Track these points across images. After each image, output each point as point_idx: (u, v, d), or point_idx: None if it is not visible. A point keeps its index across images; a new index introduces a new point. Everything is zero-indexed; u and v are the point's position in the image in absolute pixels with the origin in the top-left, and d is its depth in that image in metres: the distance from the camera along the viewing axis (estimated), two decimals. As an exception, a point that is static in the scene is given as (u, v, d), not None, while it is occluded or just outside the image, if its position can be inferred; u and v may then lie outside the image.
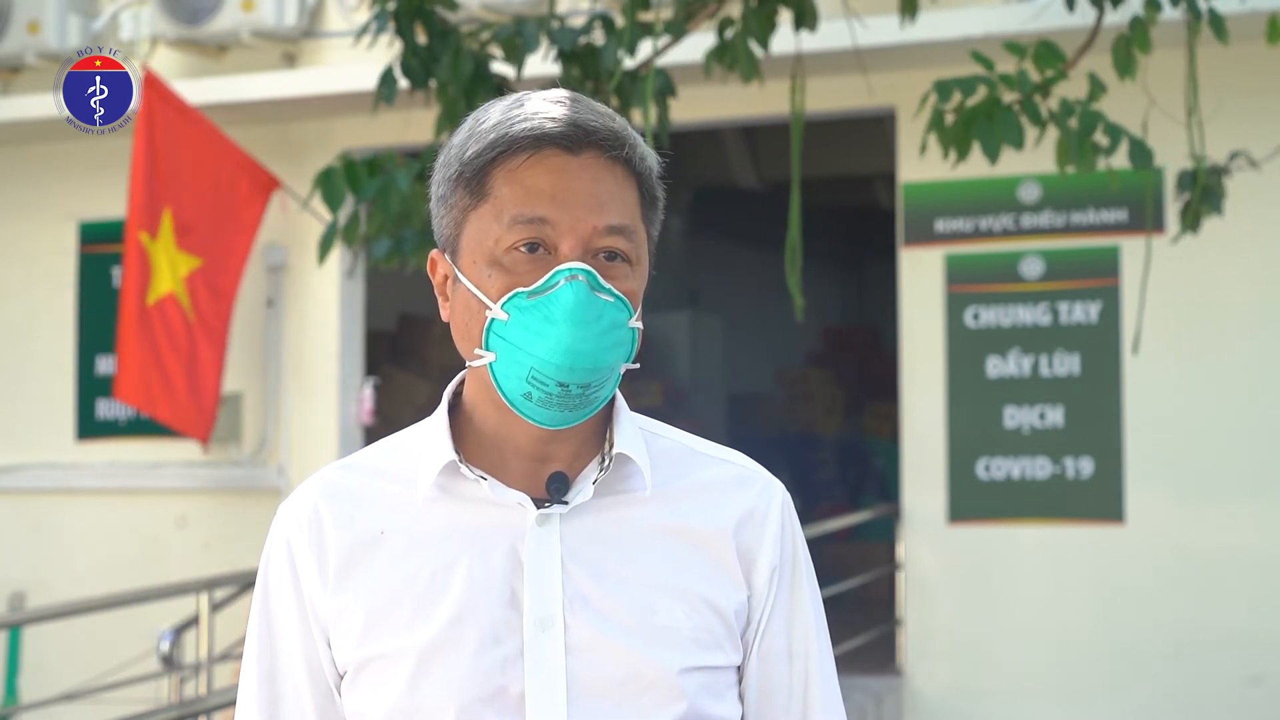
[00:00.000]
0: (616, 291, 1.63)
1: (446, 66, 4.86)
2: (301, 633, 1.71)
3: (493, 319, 1.63)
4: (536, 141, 1.63)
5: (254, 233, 7.90)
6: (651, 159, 1.70)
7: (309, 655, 1.71)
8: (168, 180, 7.63)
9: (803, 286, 5.32)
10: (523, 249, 1.63)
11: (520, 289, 1.61)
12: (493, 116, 1.66)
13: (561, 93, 1.68)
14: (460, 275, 1.67)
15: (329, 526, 1.70)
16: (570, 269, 1.60)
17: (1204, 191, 5.11)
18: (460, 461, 1.68)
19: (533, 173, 1.63)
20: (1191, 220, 5.16)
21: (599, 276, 1.62)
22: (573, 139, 1.63)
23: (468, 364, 1.70)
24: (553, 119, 1.63)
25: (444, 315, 1.72)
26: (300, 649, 1.71)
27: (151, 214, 7.64)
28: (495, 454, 1.70)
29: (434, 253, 1.73)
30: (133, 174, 7.66)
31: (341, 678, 1.70)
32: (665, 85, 4.97)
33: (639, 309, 1.67)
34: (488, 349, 1.64)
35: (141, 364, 7.66)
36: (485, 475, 1.68)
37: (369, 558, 1.68)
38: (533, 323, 1.60)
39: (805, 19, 5.11)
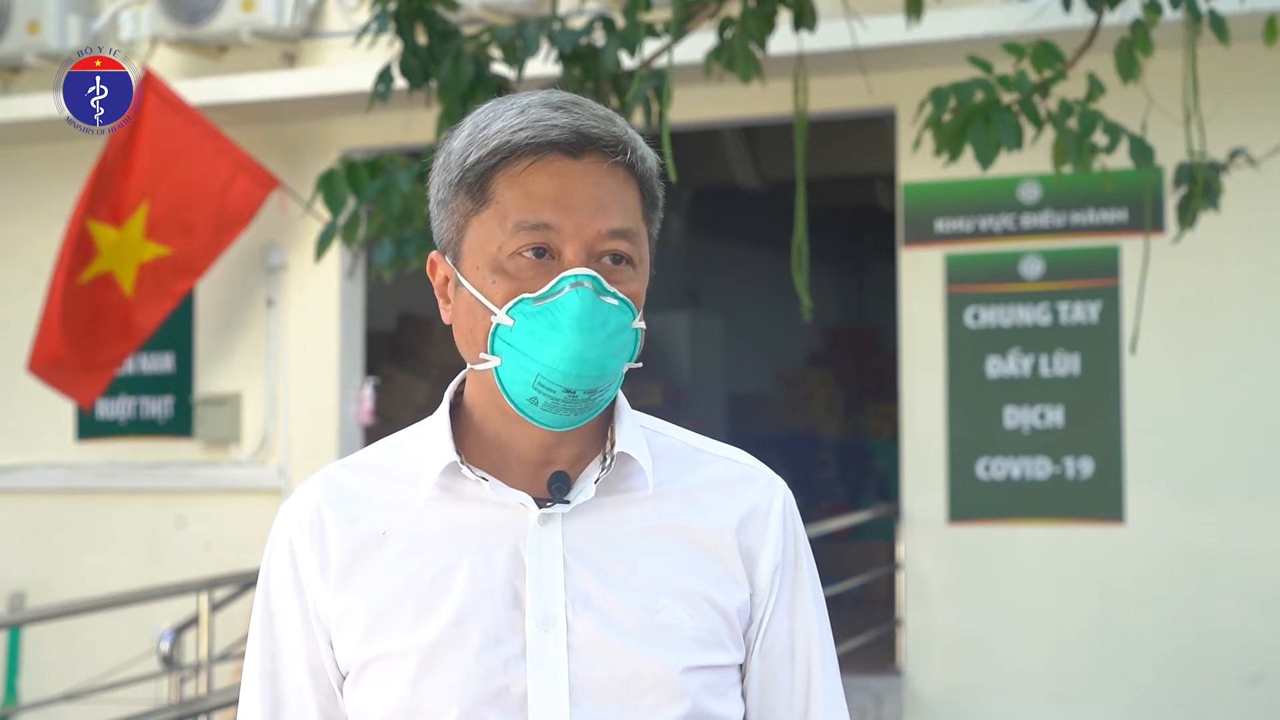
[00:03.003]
0: (621, 295, 1.63)
1: (447, 70, 4.86)
2: (304, 633, 1.71)
3: (498, 324, 1.63)
4: (539, 147, 1.63)
5: (241, 228, 7.89)
6: (651, 159, 1.70)
7: (311, 655, 1.71)
8: (152, 176, 7.70)
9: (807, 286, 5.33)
10: (527, 254, 1.63)
11: (526, 295, 1.62)
12: (494, 123, 1.66)
13: (562, 96, 1.68)
14: (463, 280, 1.67)
15: (331, 526, 1.70)
16: (576, 275, 1.61)
17: (1203, 187, 5.11)
18: (462, 463, 1.69)
19: (536, 178, 1.63)
20: (1191, 218, 5.17)
21: (604, 281, 1.62)
22: (575, 144, 1.64)
23: (469, 366, 1.70)
24: (555, 125, 1.63)
25: (445, 317, 1.72)
26: (302, 649, 1.71)
27: (118, 206, 7.75)
28: (497, 455, 1.70)
29: (434, 254, 1.73)
30: (100, 166, 7.70)
31: (344, 678, 1.70)
32: (662, 87, 4.97)
33: (642, 310, 1.67)
34: (493, 354, 1.64)
35: (51, 335, 7.77)
36: (487, 476, 1.68)
37: (371, 558, 1.68)
38: (539, 329, 1.60)
39: (804, 19, 5.12)
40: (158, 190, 7.74)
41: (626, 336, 1.64)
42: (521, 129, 1.63)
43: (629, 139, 1.67)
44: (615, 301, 1.62)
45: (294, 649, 1.71)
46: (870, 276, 13.11)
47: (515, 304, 1.62)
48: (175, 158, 7.69)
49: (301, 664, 1.71)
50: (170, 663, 6.48)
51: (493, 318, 1.63)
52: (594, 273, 1.61)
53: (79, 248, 7.79)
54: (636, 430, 1.73)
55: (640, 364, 1.69)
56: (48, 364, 7.90)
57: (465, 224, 1.67)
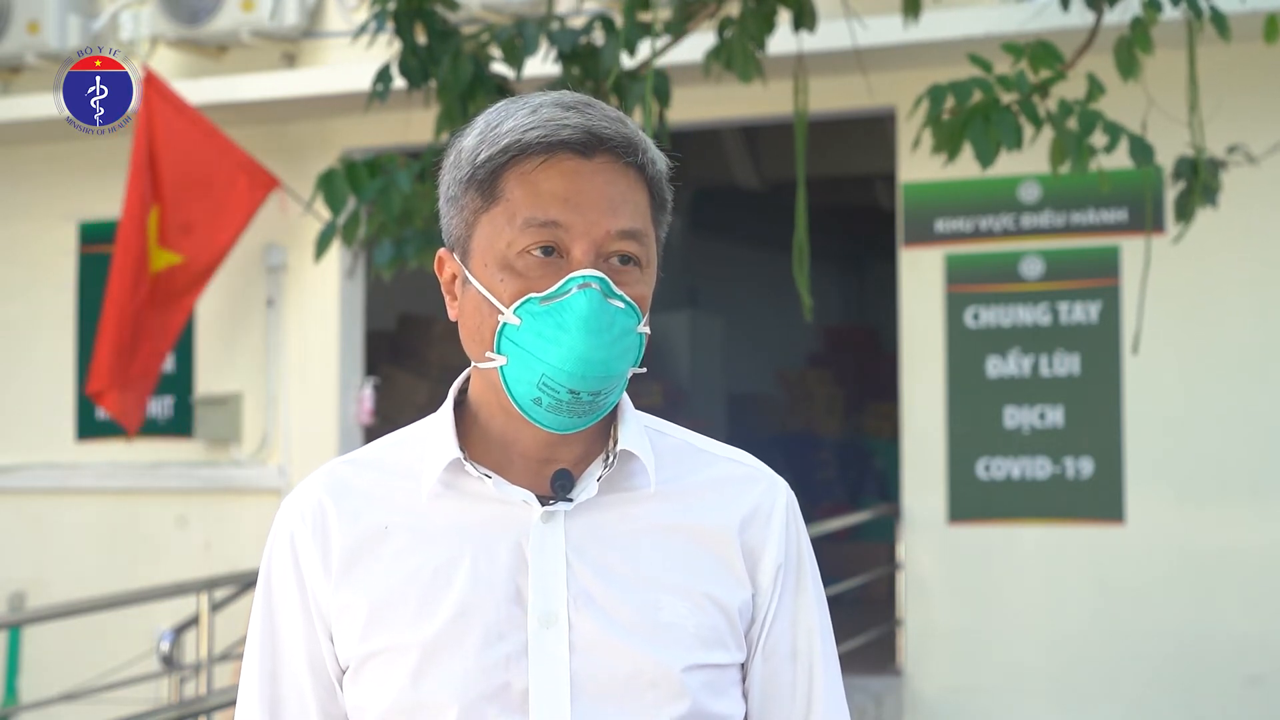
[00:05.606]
0: (628, 298, 1.63)
1: (446, 68, 4.86)
2: (304, 627, 1.71)
3: (504, 323, 1.63)
4: (550, 146, 1.63)
5: (240, 230, 7.87)
6: (661, 163, 1.71)
7: (311, 650, 1.71)
8: (160, 179, 7.64)
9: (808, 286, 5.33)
10: (536, 252, 1.63)
11: (533, 294, 1.62)
12: (506, 121, 1.66)
13: (574, 96, 1.68)
14: (471, 277, 1.67)
15: (333, 521, 1.70)
16: (584, 276, 1.61)
17: (1202, 184, 5.12)
18: (465, 459, 1.69)
19: (546, 176, 1.64)
20: (1189, 212, 5.17)
21: (611, 283, 1.62)
22: (586, 144, 1.64)
23: (474, 364, 1.70)
24: (567, 124, 1.64)
25: (451, 314, 1.72)
26: (303, 643, 1.71)
27: (145, 213, 7.66)
28: (501, 452, 1.70)
29: (442, 251, 1.73)
30: (133, 173, 7.66)
31: (344, 673, 1.70)
32: (662, 87, 4.98)
33: (647, 314, 1.67)
34: (499, 352, 1.64)
35: (118, 359, 7.68)
36: (490, 473, 1.68)
37: (373, 553, 1.68)
38: (545, 329, 1.61)
39: (804, 19, 5.12)
40: (167, 195, 7.66)
41: (632, 340, 1.64)
42: (533, 128, 1.64)
43: (640, 141, 1.68)
44: (622, 304, 1.63)
45: (294, 643, 1.71)
46: (870, 276, 13.13)
47: (522, 303, 1.62)
48: (179, 160, 7.67)
49: (302, 658, 1.71)
50: (170, 663, 6.48)
51: (500, 316, 1.63)
52: (602, 274, 1.62)
53: (144, 263, 7.61)
54: (640, 429, 1.73)
55: (645, 369, 1.69)
56: (104, 388, 7.73)
57: (474, 221, 1.67)
